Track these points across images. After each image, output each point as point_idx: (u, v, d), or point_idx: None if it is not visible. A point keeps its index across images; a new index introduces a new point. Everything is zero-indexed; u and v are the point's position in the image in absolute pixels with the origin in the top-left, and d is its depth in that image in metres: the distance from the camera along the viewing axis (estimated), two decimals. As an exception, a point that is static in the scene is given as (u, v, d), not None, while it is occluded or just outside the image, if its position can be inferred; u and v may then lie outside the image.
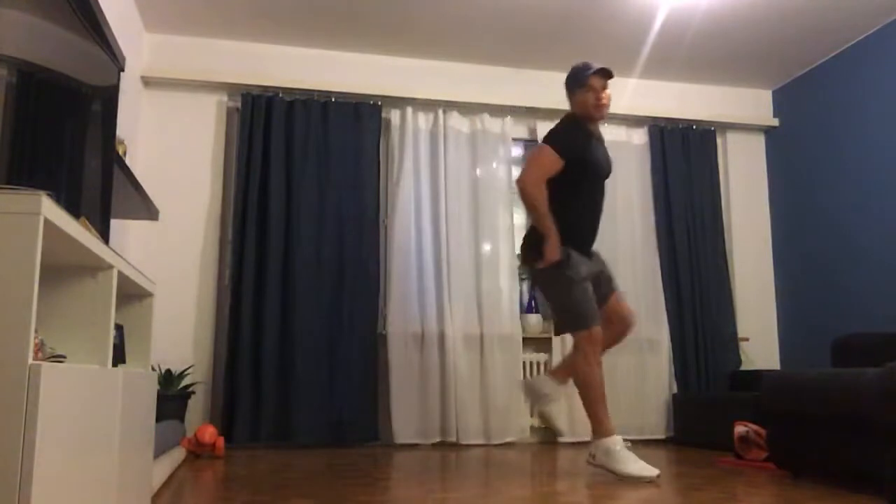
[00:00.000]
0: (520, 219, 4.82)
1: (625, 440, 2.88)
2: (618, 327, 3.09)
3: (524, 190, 2.93)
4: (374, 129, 4.48)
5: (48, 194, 1.12)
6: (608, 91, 3.08)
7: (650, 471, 2.74)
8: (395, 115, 4.56)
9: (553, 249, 2.89)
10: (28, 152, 1.70)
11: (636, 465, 2.75)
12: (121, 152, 3.14)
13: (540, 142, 3.12)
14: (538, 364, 4.52)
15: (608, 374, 4.58)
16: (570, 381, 3.03)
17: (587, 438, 4.38)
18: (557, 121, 4.68)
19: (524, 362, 4.48)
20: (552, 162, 2.95)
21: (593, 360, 2.87)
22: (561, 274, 2.92)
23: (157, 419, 3.19)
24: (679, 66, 4.79)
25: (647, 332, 4.64)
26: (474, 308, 4.45)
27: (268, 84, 4.39)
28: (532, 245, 3.00)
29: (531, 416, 2.93)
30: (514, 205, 4.66)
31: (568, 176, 2.98)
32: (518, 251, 3.15)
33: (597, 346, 2.89)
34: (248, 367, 4.06)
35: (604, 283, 3.09)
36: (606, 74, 3.06)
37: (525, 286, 4.71)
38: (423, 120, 4.59)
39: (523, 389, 3.19)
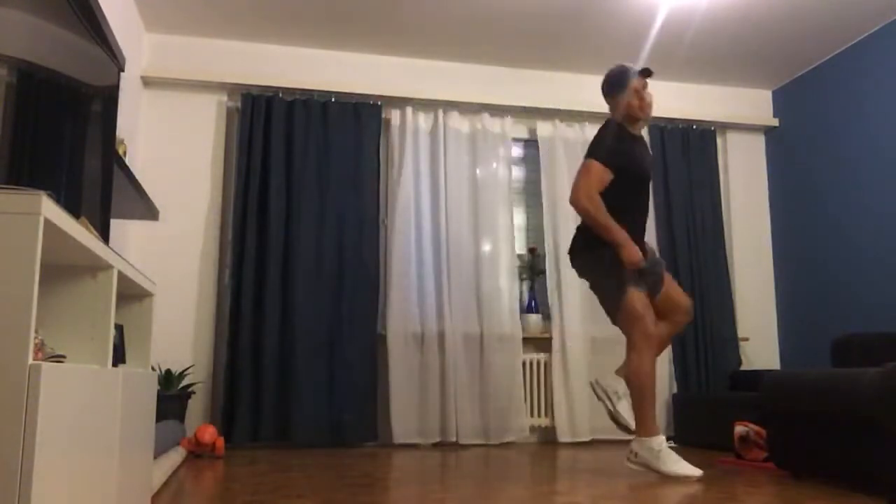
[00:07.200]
0: (520, 219, 4.82)
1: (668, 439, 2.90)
2: (670, 318, 3.08)
3: (579, 207, 2.92)
4: (374, 129, 4.48)
5: (48, 194, 1.12)
6: (649, 90, 3.09)
7: (693, 470, 2.77)
8: (395, 115, 4.56)
9: (633, 253, 2.88)
10: (28, 152, 1.70)
11: (678, 465, 2.78)
12: (121, 152, 3.14)
13: (585, 153, 3.06)
14: (538, 364, 4.52)
15: (608, 372, 4.60)
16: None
17: (586, 439, 4.41)
18: (558, 121, 4.74)
19: (524, 362, 4.47)
20: (601, 175, 2.95)
21: (647, 358, 2.87)
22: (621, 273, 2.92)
23: (157, 419, 3.19)
24: (679, 66, 4.79)
25: (647, 332, 4.64)
26: (474, 308, 4.44)
27: (268, 84, 4.39)
28: (590, 247, 2.99)
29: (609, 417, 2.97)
30: (513, 205, 4.66)
31: (618, 183, 2.98)
32: (569, 253, 3.13)
33: (651, 343, 2.88)
34: (248, 367, 4.06)
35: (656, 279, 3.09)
36: (646, 74, 3.07)
37: (525, 286, 4.71)
38: (423, 120, 4.59)
39: (594, 390, 3.18)
